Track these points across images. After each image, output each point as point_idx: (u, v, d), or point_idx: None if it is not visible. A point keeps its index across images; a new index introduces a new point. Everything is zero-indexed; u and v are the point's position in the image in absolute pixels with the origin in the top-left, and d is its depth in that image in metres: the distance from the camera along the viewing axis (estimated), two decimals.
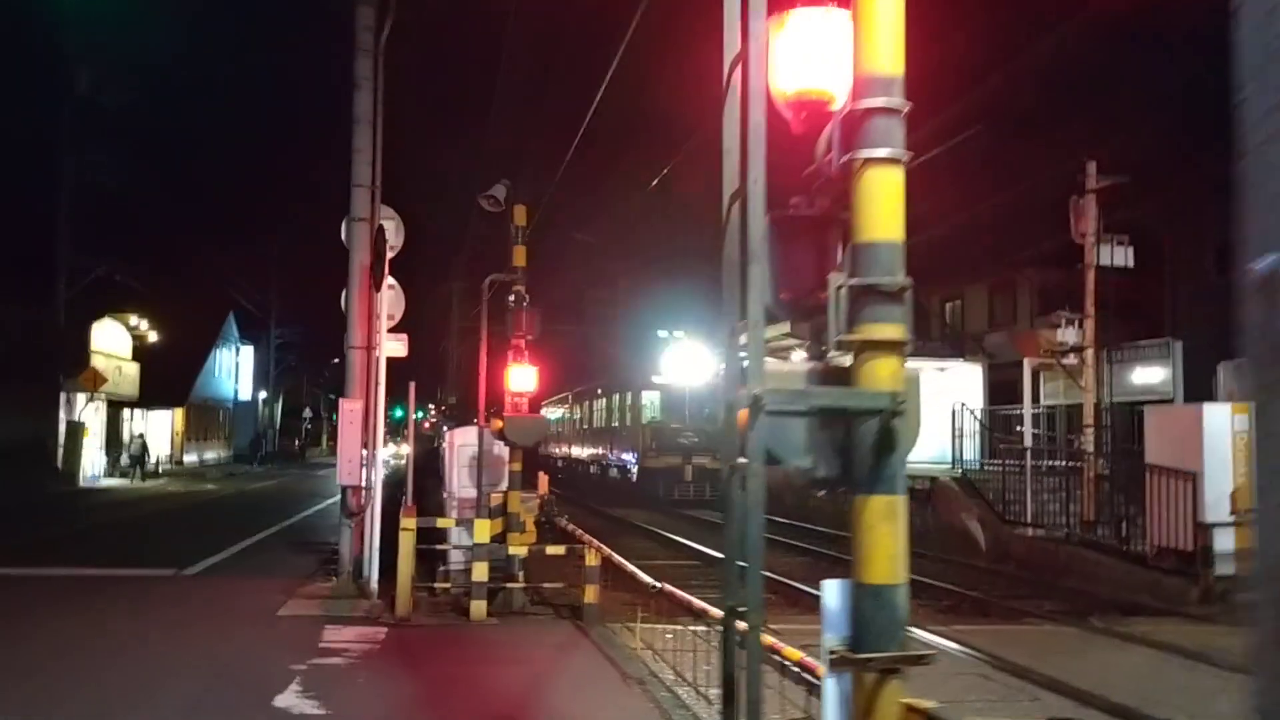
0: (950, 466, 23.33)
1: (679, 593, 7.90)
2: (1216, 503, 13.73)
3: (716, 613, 6.59)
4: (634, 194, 29.24)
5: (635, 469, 33.64)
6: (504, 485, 12.42)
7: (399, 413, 54.59)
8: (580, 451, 43.18)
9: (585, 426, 42.82)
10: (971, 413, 23.80)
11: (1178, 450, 14.29)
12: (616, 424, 37.09)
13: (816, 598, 13.29)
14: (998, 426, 23.74)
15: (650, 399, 34.23)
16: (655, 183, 22.44)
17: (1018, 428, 23.63)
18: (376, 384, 12.77)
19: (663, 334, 49.30)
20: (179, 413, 47.61)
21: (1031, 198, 22.53)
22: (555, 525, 12.98)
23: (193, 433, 50.35)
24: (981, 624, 12.60)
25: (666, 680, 8.45)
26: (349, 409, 12.98)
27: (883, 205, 3.06)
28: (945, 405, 24.88)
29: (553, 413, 46.80)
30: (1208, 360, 21.79)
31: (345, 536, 13.09)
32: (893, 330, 3.09)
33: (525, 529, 12.15)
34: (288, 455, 62.85)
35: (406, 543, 11.03)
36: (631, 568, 9.73)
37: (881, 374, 3.07)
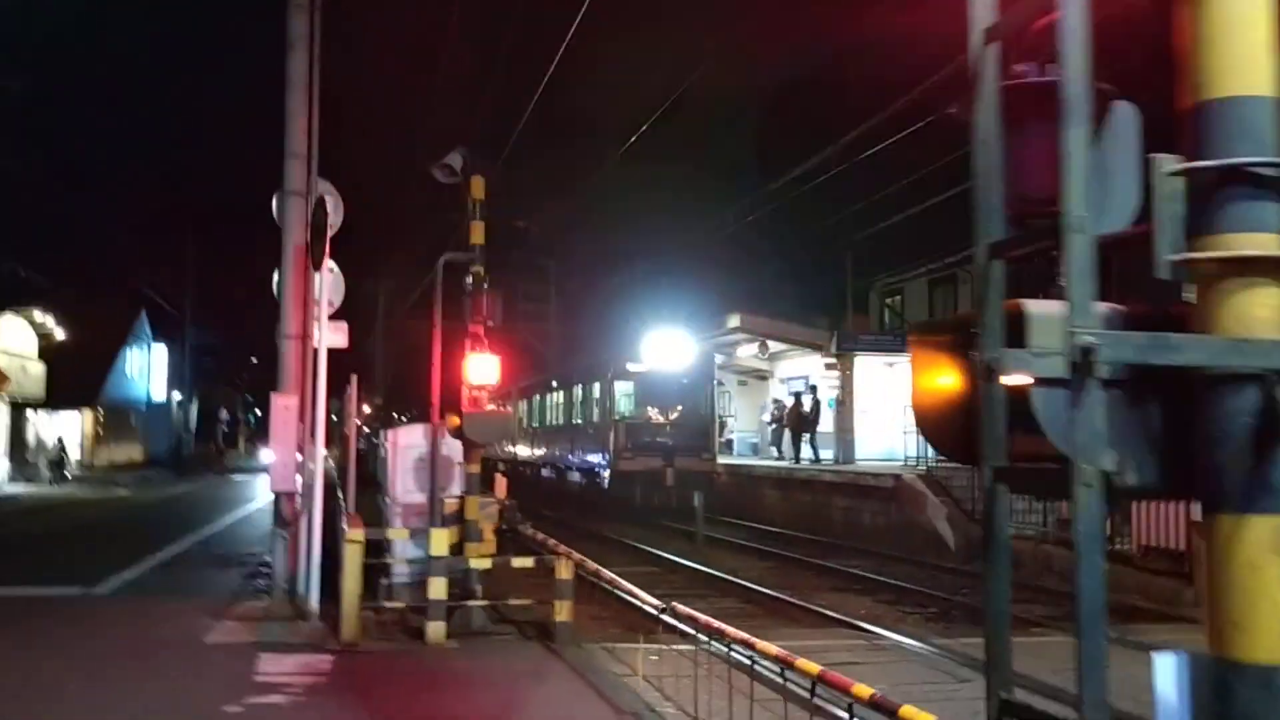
0: (903, 464, 22.78)
1: (701, 617, 6.67)
2: None
3: (791, 657, 5.36)
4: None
5: (606, 473, 28.54)
6: (455, 489, 11.16)
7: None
8: (530, 454, 38.07)
9: (536, 425, 37.84)
10: None
11: None
12: (580, 421, 31.47)
13: (800, 608, 12.08)
14: None
15: (625, 390, 28.71)
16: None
17: None
18: (315, 377, 11.37)
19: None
20: (88, 414, 45.25)
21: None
22: (519, 534, 11.70)
23: (104, 436, 47.91)
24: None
25: (667, 714, 7.32)
26: (283, 405, 11.57)
27: (1243, 39, 1.89)
28: (895, 402, 24.33)
29: None
30: None
31: (279, 549, 11.67)
32: (1270, 242, 1.90)
33: (484, 539, 10.90)
34: (205, 459, 60.37)
35: (353, 557, 9.71)
36: (628, 585, 8.50)
37: (1258, 313, 1.88)
